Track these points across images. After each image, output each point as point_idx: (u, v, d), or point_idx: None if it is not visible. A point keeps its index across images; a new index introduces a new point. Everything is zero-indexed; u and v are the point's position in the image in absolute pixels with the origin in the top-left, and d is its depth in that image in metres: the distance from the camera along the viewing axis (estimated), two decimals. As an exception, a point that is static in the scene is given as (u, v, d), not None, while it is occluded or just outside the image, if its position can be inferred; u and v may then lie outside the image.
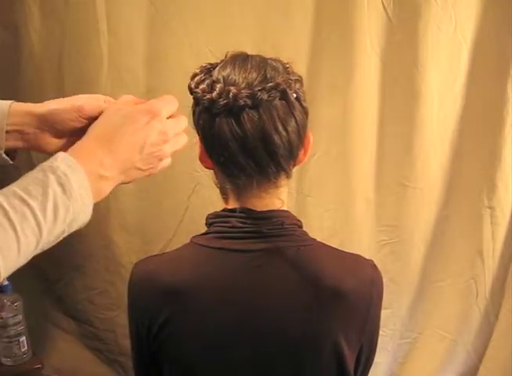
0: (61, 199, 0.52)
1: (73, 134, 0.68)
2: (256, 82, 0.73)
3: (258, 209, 0.77)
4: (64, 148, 0.65)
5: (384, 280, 0.82)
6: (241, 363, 0.75)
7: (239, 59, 0.77)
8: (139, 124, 0.61)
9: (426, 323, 1.63)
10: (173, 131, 0.65)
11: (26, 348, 1.32)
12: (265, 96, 0.72)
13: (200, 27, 1.30)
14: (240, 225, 0.76)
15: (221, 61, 0.80)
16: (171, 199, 1.39)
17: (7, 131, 0.65)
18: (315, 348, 0.75)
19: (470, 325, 1.63)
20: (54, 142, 0.69)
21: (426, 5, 1.35)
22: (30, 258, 0.52)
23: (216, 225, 0.78)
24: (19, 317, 1.30)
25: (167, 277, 0.75)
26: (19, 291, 1.33)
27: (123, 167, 0.61)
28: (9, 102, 0.67)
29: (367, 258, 0.83)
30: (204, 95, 0.74)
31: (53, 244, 0.55)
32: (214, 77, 0.76)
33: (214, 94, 0.72)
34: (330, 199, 1.48)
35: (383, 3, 1.36)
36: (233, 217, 0.77)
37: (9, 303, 1.28)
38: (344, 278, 0.76)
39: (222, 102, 0.72)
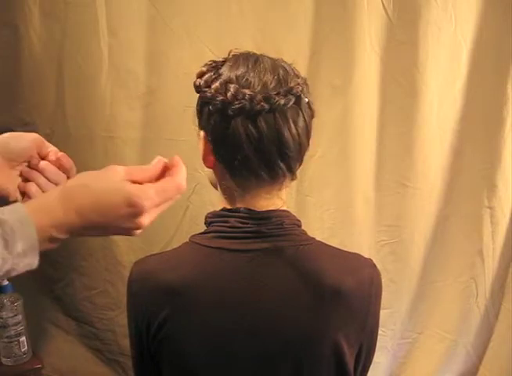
0: (1, 253, 0.51)
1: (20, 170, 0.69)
2: (271, 85, 0.74)
3: (259, 209, 0.77)
4: (4, 182, 0.67)
5: (383, 280, 0.82)
6: (240, 363, 0.75)
7: (251, 60, 0.76)
8: (114, 212, 0.56)
9: (426, 323, 1.63)
10: (149, 222, 0.58)
11: (26, 348, 1.32)
12: (281, 101, 0.72)
13: (200, 27, 1.30)
14: (240, 225, 0.76)
15: (226, 59, 0.78)
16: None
17: None
18: (315, 347, 0.75)
19: (470, 325, 1.63)
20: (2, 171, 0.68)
21: (426, 5, 1.35)
22: None
23: (215, 224, 0.78)
24: (19, 317, 1.30)
25: (166, 276, 0.75)
26: (19, 291, 1.33)
27: (78, 235, 0.58)
28: None
29: (366, 257, 0.83)
30: (217, 96, 0.73)
31: None
32: (225, 77, 0.74)
33: (229, 95, 0.72)
34: (330, 199, 1.48)
35: (383, 3, 1.36)
36: (233, 217, 0.77)
37: (9, 303, 1.28)
38: (343, 277, 0.76)
39: (238, 104, 0.71)
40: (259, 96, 0.71)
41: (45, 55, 1.26)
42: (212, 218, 0.79)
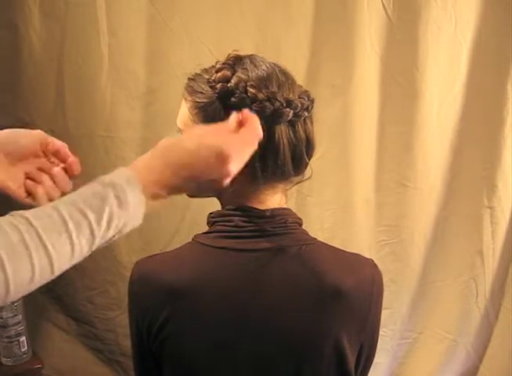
0: (116, 211, 0.56)
1: (24, 167, 0.70)
2: (302, 91, 0.78)
3: (262, 207, 0.77)
4: (5, 179, 0.69)
5: (384, 279, 0.82)
6: (242, 363, 0.75)
7: (272, 65, 0.77)
8: (206, 164, 0.62)
9: (426, 323, 1.64)
10: (237, 169, 0.64)
11: (26, 348, 1.31)
12: (310, 105, 0.77)
13: (200, 27, 1.30)
14: (243, 224, 0.76)
15: (234, 59, 0.77)
16: (171, 199, 1.39)
17: None
18: (316, 347, 0.75)
19: (470, 325, 1.63)
20: (1, 169, 0.69)
21: (426, 5, 1.36)
22: (84, 257, 0.56)
23: (219, 224, 0.78)
24: (19, 317, 1.30)
25: (169, 276, 0.75)
26: (19, 291, 1.32)
27: (177, 191, 0.64)
28: None
29: (367, 257, 0.83)
30: (263, 105, 0.72)
31: (104, 245, 0.58)
32: (257, 83, 0.73)
33: (277, 104, 0.72)
34: (330, 199, 1.48)
35: (383, 3, 1.36)
36: (236, 216, 0.77)
37: (9, 303, 1.28)
38: (344, 277, 0.76)
39: (288, 112, 0.73)
40: (299, 103, 0.74)
41: (45, 55, 1.26)
42: (215, 218, 0.79)
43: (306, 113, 0.76)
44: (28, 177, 0.71)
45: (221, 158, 0.61)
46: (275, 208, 0.78)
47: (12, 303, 1.28)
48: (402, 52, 1.39)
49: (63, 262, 0.53)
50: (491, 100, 1.47)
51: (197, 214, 1.37)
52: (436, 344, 1.64)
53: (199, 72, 0.80)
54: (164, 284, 0.75)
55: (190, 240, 0.80)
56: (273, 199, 0.79)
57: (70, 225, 0.53)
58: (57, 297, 1.47)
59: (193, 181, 0.63)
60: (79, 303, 1.46)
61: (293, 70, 0.80)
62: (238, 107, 0.73)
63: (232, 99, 0.73)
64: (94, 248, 0.56)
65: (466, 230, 1.56)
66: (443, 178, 1.52)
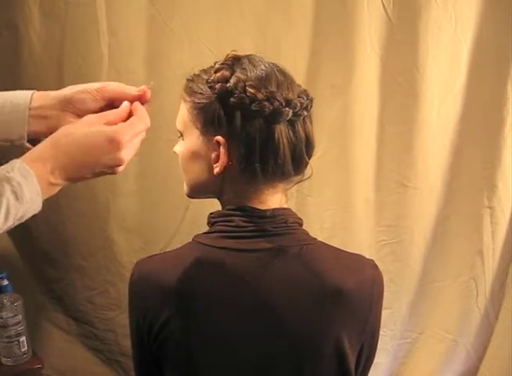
0: (13, 205, 0.59)
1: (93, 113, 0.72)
2: (301, 91, 0.77)
3: (262, 207, 0.77)
4: None
5: (384, 280, 0.82)
6: (243, 363, 0.75)
7: (271, 65, 0.77)
8: (98, 149, 0.65)
9: (426, 323, 1.64)
10: (129, 156, 0.67)
11: (26, 348, 1.31)
12: (309, 105, 0.76)
13: (200, 27, 1.30)
14: (244, 224, 0.76)
15: (233, 59, 0.77)
16: (170, 199, 1.39)
17: (30, 116, 0.69)
18: (317, 347, 0.75)
19: (470, 325, 1.63)
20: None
21: (426, 5, 1.36)
22: None
23: (219, 224, 0.78)
24: (19, 317, 1.30)
25: (169, 276, 0.75)
26: (19, 291, 1.33)
27: (72, 178, 0.66)
28: (31, 92, 0.70)
29: (368, 257, 0.83)
30: (264, 106, 0.72)
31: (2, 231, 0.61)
32: (256, 83, 0.73)
33: (276, 104, 0.72)
34: (330, 199, 1.48)
35: (383, 3, 1.36)
36: (237, 216, 0.77)
37: (9, 303, 1.28)
38: (345, 278, 0.76)
39: (287, 111, 0.73)
40: (298, 103, 0.74)
41: (45, 55, 1.26)
42: (216, 218, 0.79)
43: (305, 113, 0.76)
44: None
45: (113, 144, 0.64)
46: (275, 208, 0.78)
47: (12, 303, 1.28)
48: (402, 52, 1.39)
49: None
50: (491, 100, 1.47)
51: (197, 214, 1.37)
52: (436, 344, 1.64)
53: (197, 73, 0.80)
54: (164, 284, 0.75)
55: (190, 240, 0.80)
56: (274, 199, 0.79)
57: None
58: (57, 297, 1.47)
59: (87, 167, 0.66)
60: (79, 303, 1.46)
61: (293, 70, 0.80)
62: (237, 107, 0.73)
63: (232, 99, 0.73)
64: None
65: (466, 230, 1.56)
66: (443, 178, 1.52)
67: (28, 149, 0.69)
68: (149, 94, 0.74)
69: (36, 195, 0.61)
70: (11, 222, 0.60)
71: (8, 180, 0.59)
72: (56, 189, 0.65)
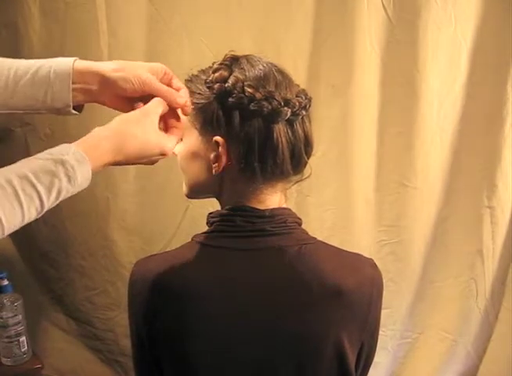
0: (65, 187, 0.61)
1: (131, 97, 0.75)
2: (300, 90, 0.77)
3: (261, 207, 0.77)
4: (125, 108, 0.74)
5: (383, 279, 0.82)
6: (243, 363, 0.75)
7: (269, 64, 0.77)
8: (150, 156, 0.71)
9: (426, 323, 1.63)
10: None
11: (26, 348, 1.32)
12: (308, 104, 0.76)
13: (200, 27, 1.30)
14: (243, 224, 0.76)
15: (231, 59, 0.77)
16: (171, 199, 1.39)
17: (73, 90, 0.72)
18: (317, 347, 0.75)
19: (470, 325, 1.63)
20: (114, 100, 0.75)
21: (426, 5, 1.35)
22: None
23: (218, 224, 0.78)
24: (19, 317, 1.30)
25: (169, 276, 0.75)
26: (19, 291, 1.33)
27: (116, 165, 0.70)
28: (72, 60, 0.72)
29: (367, 257, 0.83)
30: (263, 106, 0.72)
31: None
32: (254, 83, 0.73)
33: (274, 104, 0.72)
34: (330, 199, 1.48)
35: (383, 3, 1.36)
36: (236, 216, 0.77)
37: (9, 303, 1.28)
38: (344, 277, 0.76)
39: (286, 111, 0.73)
40: (296, 102, 0.74)
41: (45, 55, 1.25)
42: (215, 218, 0.79)
43: (304, 112, 0.76)
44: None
45: (162, 154, 0.72)
46: (274, 208, 0.78)
47: (12, 303, 1.28)
48: (402, 52, 1.39)
49: (11, 227, 0.58)
50: (491, 100, 1.46)
51: (197, 214, 1.37)
52: (436, 344, 1.64)
53: (196, 73, 0.80)
54: (164, 284, 0.75)
55: (190, 240, 0.81)
56: (273, 198, 0.79)
57: (22, 198, 0.58)
58: (57, 297, 1.47)
59: (133, 163, 0.72)
60: (79, 303, 1.46)
61: (293, 70, 0.80)
62: (236, 107, 0.73)
63: (230, 99, 0.73)
64: (41, 215, 0.62)
65: (466, 230, 1.56)
66: (443, 178, 1.52)
67: (73, 114, 0.74)
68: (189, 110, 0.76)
69: (86, 180, 0.64)
70: (59, 201, 0.62)
71: (62, 163, 0.61)
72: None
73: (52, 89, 0.71)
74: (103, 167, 0.67)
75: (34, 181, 0.59)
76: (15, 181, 0.58)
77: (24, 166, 0.60)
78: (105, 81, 0.72)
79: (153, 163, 0.74)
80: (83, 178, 0.63)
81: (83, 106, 0.77)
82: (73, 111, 0.74)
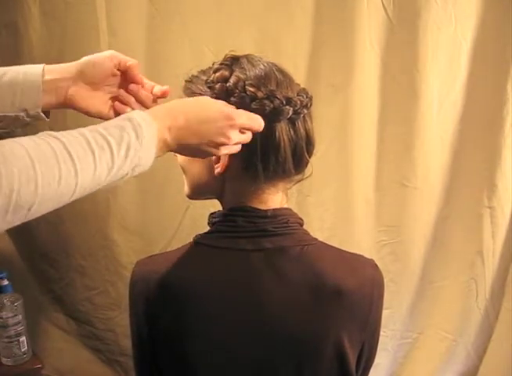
0: (134, 142, 0.60)
1: (106, 89, 0.76)
2: (301, 89, 0.77)
3: (263, 207, 0.77)
4: (96, 104, 0.75)
5: (384, 280, 0.82)
6: (243, 363, 0.75)
7: (270, 64, 0.77)
8: (213, 121, 0.68)
9: (426, 323, 1.63)
10: (237, 140, 0.70)
11: (26, 348, 1.31)
12: (309, 102, 0.77)
13: (199, 27, 1.30)
14: (245, 224, 0.76)
15: (231, 59, 0.77)
16: (171, 199, 1.39)
17: (43, 89, 0.71)
18: (317, 347, 0.75)
19: (470, 325, 1.63)
20: (88, 96, 0.74)
21: (426, 5, 1.35)
22: (97, 188, 0.58)
23: (220, 224, 0.78)
24: (19, 317, 1.30)
25: (169, 277, 0.75)
26: (19, 291, 1.33)
27: (182, 144, 0.67)
28: (42, 65, 0.72)
29: (368, 257, 0.83)
30: (262, 103, 0.72)
31: (117, 183, 0.61)
32: (255, 82, 0.73)
33: (276, 102, 0.72)
34: (330, 199, 1.48)
35: (383, 3, 1.36)
36: (238, 216, 0.77)
37: (9, 303, 1.28)
38: (345, 278, 0.76)
39: (288, 110, 0.73)
40: (298, 101, 0.74)
41: (45, 55, 1.26)
42: (217, 218, 0.79)
43: (305, 111, 0.76)
44: (116, 99, 0.77)
45: (228, 121, 0.68)
46: (276, 208, 0.78)
47: (12, 303, 1.28)
48: (402, 52, 1.39)
49: (85, 178, 0.55)
50: (491, 100, 1.46)
51: (197, 214, 1.37)
52: (436, 344, 1.64)
53: (196, 74, 0.80)
54: (164, 284, 0.75)
55: (190, 240, 0.80)
56: (274, 199, 0.79)
57: (94, 146, 0.56)
58: (57, 297, 1.47)
59: (199, 135, 0.68)
60: (79, 303, 1.46)
61: (293, 69, 0.80)
62: (238, 106, 0.73)
63: (232, 99, 0.73)
64: (111, 179, 0.59)
65: (466, 230, 1.56)
66: (443, 178, 1.52)
67: (43, 119, 0.72)
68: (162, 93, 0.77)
69: (152, 144, 0.62)
70: (128, 165, 0.59)
71: (129, 119, 0.61)
72: (165, 152, 0.66)
73: (22, 89, 0.70)
74: (168, 133, 0.64)
75: (105, 133, 0.58)
76: (86, 132, 0.57)
77: (95, 125, 0.60)
78: (75, 75, 0.72)
79: (217, 145, 0.69)
80: (149, 138, 0.61)
81: (49, 112, 0.75)
82: (42, 115, 0.72)
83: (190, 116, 0.67)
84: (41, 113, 0.72)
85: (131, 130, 0.60)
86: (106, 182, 0.58)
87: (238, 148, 0.72)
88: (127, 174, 0.60)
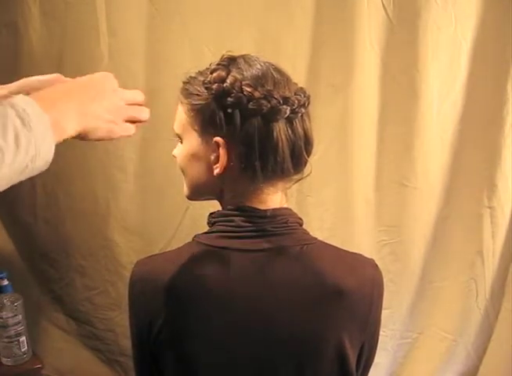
0: (22, 130, 0.53)
1: None
2: (298, 88, 0.77)
3: (262, 207, 0.77)
4: None
5: (384, 280, 0.82)
6: (243, 364, 0.75)
7: (267, 64, 0.77)
8: (103, 85, 0.68)
9: (426, 323, 1.64)
10: (131, 98, 0.69)
11: (26, 348, 1.32)
12: (306, 102, 0.76)
13: (199, 27, 1.30)
14: (244, 224, 0.76)
15: (228, 59, 0.77)
16: (171, 199, 1.39)
17: None
18: (317, 347, 0.75)
19: (470, 325, 1.63)
20: None
21: (426, 5, 1.35)
22: None
23: (219, 224, 0.78)
24: (19, 317, 1.30)
25: (169, 276, 0.75)
26: (19, 291, 1.33)
27: (79, 111, 0.62)
28: None
29: (368, 257, 0.83)
30: (262, 105, 0.72)
31: (19, 179, 0.55)
32: (252, 82, 0.73)
33: (273, 102, 0.72)
34: (330, 199, 1.48)
35: (383, 3, 1.36)
36: (237, 216, 0.77)
37: (9, 303, 1.28)
38: (345, 277, 0.76)
39: (285, 109, 0.73)
40: (295, 100, 0.74)
41: (45, 55, 1.26)
42: (216, 218, 0.79)
43: (303, 110, 0.76)
44: None
45: (111, 82, 0.69)
46: (275, 208, 0.78)
47: (12, 303, 1.28)
48: (402, 52, 1.39)
49: None
50: (491, 100, 1.46)
51: (197, 214, 1.37)
52: (436, 344, 1.64)
53: (193, 75, 0.80)
54: (164, 284, 0.75)
55: (190, 240, 0.80)
56: (274, 198, 0.79)
57: None
58: (57, 297, 1.47)
59: (93, 102, 0.64)
60: (79, 303, 1.47)
61: (293, 69, 0.80)
62: (235, 107, 0.73)
63: (229, 99, 0.73)
64: (7, 171, 0.53)
65: (466, 230, 1.56)
66: (443, 178, 1.52)
67: None
68: None
69: (44, 126, 0.56)
70: (23, 155, 0.53)
71: (11, 105, 0.54)
72: (67, 133, 0.60)
73: None
74: (57, 111, 0.59)
75: None
76: None
77: None
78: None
79: (118, 108, 0.67)
80: (38, 121, 0.55)
81: None
82: None
83: (72, 87, 0.66)
84: None
85: (15, 117, 0.53)
86: (3, 182, 0.53)
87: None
88: (26, 166, 0.54)
